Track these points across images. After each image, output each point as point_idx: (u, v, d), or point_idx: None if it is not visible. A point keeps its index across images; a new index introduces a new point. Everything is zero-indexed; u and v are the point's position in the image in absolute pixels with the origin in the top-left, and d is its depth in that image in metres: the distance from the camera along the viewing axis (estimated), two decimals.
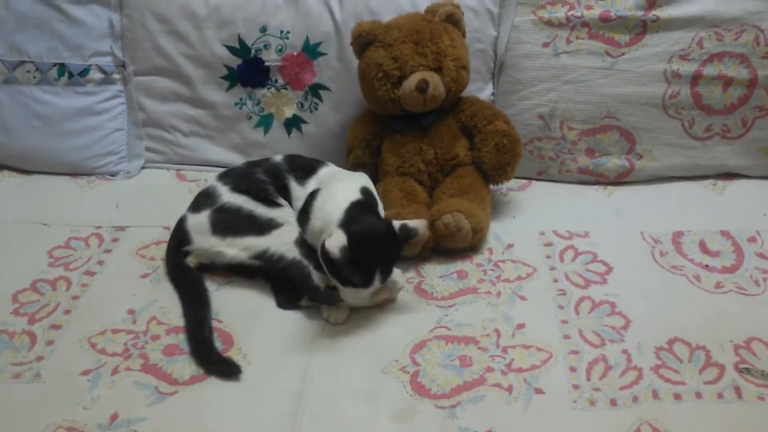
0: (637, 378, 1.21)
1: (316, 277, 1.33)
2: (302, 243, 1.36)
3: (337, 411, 1.17)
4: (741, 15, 1.59)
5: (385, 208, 1.47)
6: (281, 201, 1.44)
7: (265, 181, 1.45)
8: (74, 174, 1.73)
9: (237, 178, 1.47)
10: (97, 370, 1.23)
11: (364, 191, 1.40)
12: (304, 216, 1.39)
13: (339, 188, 1.39)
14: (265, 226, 1.38)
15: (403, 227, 1.29)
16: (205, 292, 1.37)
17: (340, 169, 1.51)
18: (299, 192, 1.45)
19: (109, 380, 1.22)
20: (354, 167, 1.58)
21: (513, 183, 1.68)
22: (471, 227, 1.44)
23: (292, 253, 1.35)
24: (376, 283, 1.27)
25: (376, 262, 1.26)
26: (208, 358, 1.25)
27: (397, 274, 1.35)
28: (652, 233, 1.52)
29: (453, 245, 1.46)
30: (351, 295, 1.28)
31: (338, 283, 1.27)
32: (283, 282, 1.37)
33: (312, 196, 1.40)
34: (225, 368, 1.23)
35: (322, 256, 1.26)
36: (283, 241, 1.36)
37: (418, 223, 1.30)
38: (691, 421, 1.14)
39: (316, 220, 1.36)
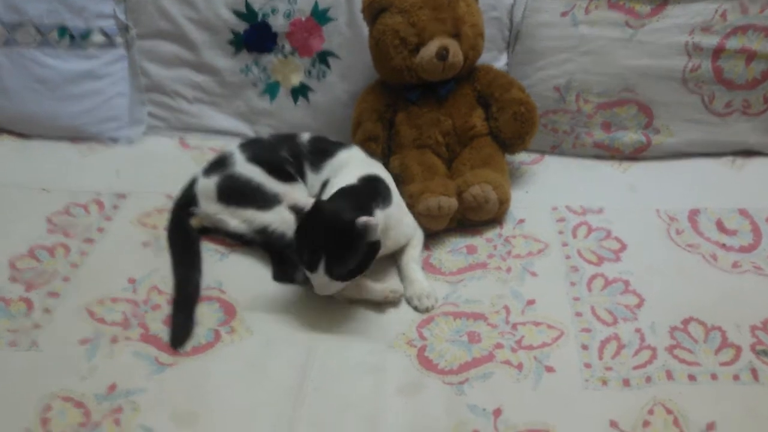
0: (650, 358, 1.19)
1: None
2: None
3: (343, 385, 1.15)
4: None
5: (405, 183, 1.44)
6: (295, 180, 1.41)
7: (286, 159, 1.42)
8: (75, 139, 1.70)
9: (259, 149, 1.44)
10: (96, 339, 1.21)
11: (365, 179, 1.32)
12: None
13: (340, 179, 1.33)
14: (269, 201, 1.36)
15: (366, 222, 1.16)
16: (197, 253, 1.36)
17: (357, 154, 1.45)
18: (313, 179, 1.42)
19: (107, 350, 1.20)
20: (363, 141, 1.53)
21: (525, 157, 1.65)
22: (498, 198, 1.41)
23: (293, 232, 1.31)
24: (321, 272, 1.17)
25: (318, 247, 1.17)
26: (177, 315, 1.24)
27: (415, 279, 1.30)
28: (668, 210, 1.49)
29: (479, 217, 1.43)
30: (309, 278, 1.21)
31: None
32: (282, 256, 1.35)
33: (322, 188, 1.36)
34: (176, 332, 1.21)
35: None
36: (283, 220, 1.33)
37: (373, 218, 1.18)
38: (707, 402, 1.12)
39: None
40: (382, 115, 1.55)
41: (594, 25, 1.58)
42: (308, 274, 1.21)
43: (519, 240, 1.43)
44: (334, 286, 1.21)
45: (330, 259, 1.17)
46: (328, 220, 1.19)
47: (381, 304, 1.28)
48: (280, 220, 1.34)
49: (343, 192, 1.27)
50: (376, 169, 1.40)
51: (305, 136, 1.48)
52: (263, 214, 1.35)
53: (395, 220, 1.31)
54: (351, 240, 1.17)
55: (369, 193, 1.29)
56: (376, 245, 1.20)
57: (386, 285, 1.29)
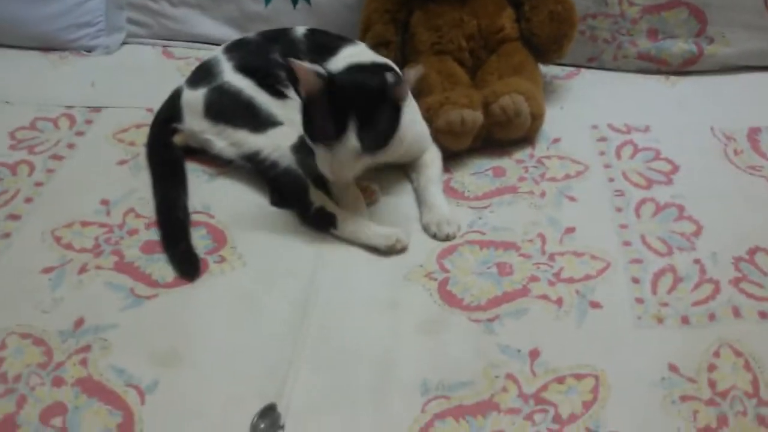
0: (713, 292, 1.08)
1: (312, 194, 1.19)
2: (299, 149, 1.21)
3: (352, 323, 1.06)
4: None
5: (422, 95, 1.32)
6: (289, 92, 1.28)
7: (278, 63, 1.29)
8: (45, 48, 1.60)
9: (246, 54, 1.32)
10: (62, 267, 1.12)
11: (376, 64, 1.24)
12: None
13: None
14: (262, 122, 1.24)
15: (396, 75, 1.13)
16: (182, 172, 1.27)
17: (365, 51, 1.32)
18: None
19: (75, 280, 1.10)
20: (374, 47, 1.39)
21: (558, 70, 1.55)
22: (531, 112, 1.31)
23: (287, 160, 1.22)
24: (350, 141, 1.07)
25: (351, 104, 1.07)
26: (175, 245, 1.14)
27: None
28: (724, 129, 1.39)
29: (508, 134, 1.33)
30: (324, 161, 1.10)
31: (312, 143, 1.11)
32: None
33: None
34: (185, 264, 1.11)
35: (302, 107, 1.12)
36: (276, 146, 1.23)
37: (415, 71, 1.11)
38: None
39: None
40: (394, 15, 1.44)
41: None
42: (324, 153, 1.09)
43: (554, 161, 1.32)
44: (357, 165, 1.11)
45: (361, 124, 1.07)
46: (356, 80, 1.12)
47: (384, 252, 1.14)
48: (273, 146, 1.22)
49: (356, 66, 1.18)
50: (387, 64, 1.28)
51: (300, 31, 1.34)
52: (255, 138, 1.23)
53: (408, 119, 1.17)
54: (383, 100, 1.09)
55: (384, 69, 1.19)
56: (400, 112, 1.12)
57: (393, 230, 1.15)
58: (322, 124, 1.08)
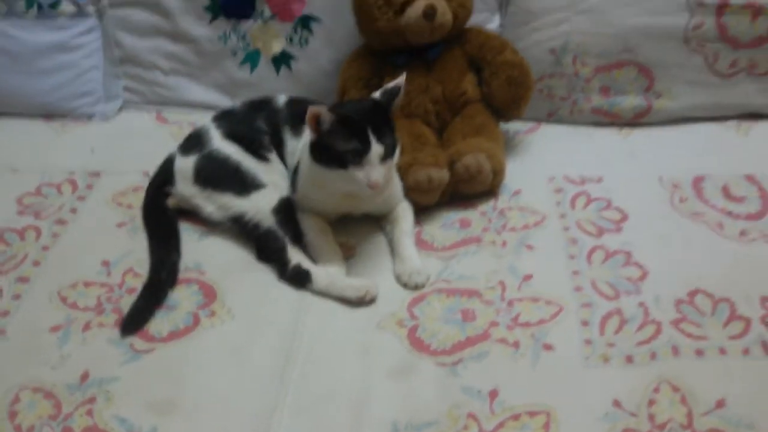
0: (655, 333, 1.14)
1: (290, 252, 1.26)
2: (279, 210, 1.30)
3: (329, 369, 1.12)
4: None
5: None
6: (272, 156, 1.37)
7: (262, 129, 1.38)
8: (47, 116, 1.66)
9: (233, 122, 1.40)
10: (68, 326, 1.18)
11: None
12: (294, 176, 1.34)
13: None
14: (247, 186, 1.32)
15: (383, 91, 1.25)
16: (176, 233, 1.33)
17: None
18: (293, 145, 1.38)
19: (80, 337, 1.16)
20: None
21: (520, 125, 1.61)
22: (492, 169, 1.38)
23: (268, 222, 1.29)
24: (375, 146, 1.18)
25: (365, 122, 1.19)
26: (140, 299, 1.21)
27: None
28: (671, 178, 1.44)
29: (472, 189, 1.39)
30: (362, 175, 1.19)
31: (342, 169, 1.20)
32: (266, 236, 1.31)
33: (303, 151, 1.31)
34: (130, 320, 1.18)
35: (315, 149, 1.23)
36: (259, 209, 1.30)
37: (398, 80, 1.25)
38: (715, 378, 1.08)
39: (303, 178, 1.31)
40: (368, 82, 1.50)
41: None
42: (356, 171, 1.19)
43: (514, 212, 1.38)
44: (384, 170, 1.21)
45: (377, 134, 1.19)
46: (359, 105, 1.27)
47: (355, 303, 1.22)
48: (256, 209, 1.30)
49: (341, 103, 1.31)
50: None
51: (281, 100, 1.43)
52: (240, 201, 1.31)
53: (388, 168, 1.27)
54: (385, 112, 1.23)
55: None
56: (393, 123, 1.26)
57: (363, 283, 1.23)
58: (347, 146, 1.18)
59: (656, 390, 1.06)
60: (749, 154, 1.51)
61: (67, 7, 1.61)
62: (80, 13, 1.62)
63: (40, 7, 1.60)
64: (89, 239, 1.34)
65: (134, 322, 1.17)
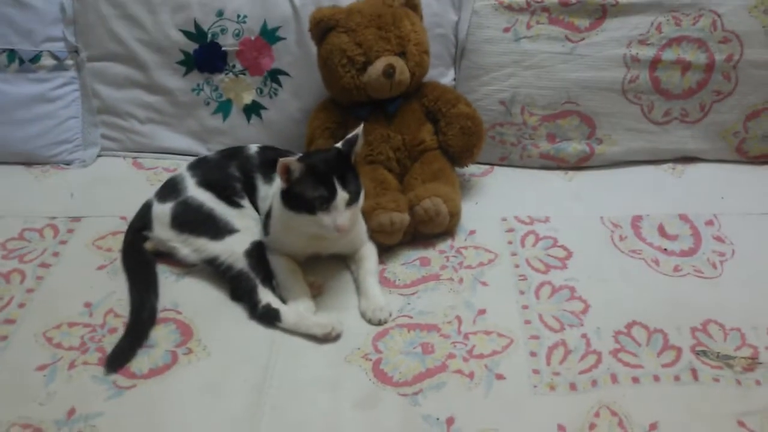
0: (596, 362, 1.22)
1: (261, 292, 1.32)
2: (251, 253, 1.36)
3: (299, 402, 1.17)
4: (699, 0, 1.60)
5: None
6: (244, 202, 1.43)
7: (235, 177, 1.43)
8: (28, 163, 1.69)
9: (207, 170, 1.45)
10: (54, 364, 1.22)
11: None
12: (266, 220, 1.39)
13: None
14: (220, 230, 1.37)
15: (345, 141, 1.32)
16: (154, 275, 1.37)
17: None
18: (265, 191, 1.43)
19: (65, 375, 1.20)
20: None
21: (475, 169, 1.68)
22: (448, 211, 1.44)
23: (240, 264, 1.34)
24: (341, 193, 1.25)
25: (331, 171, 1.26)
26: (125, 339, 1.25)
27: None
28: (612, 218, 1.53)
29: (431, 230, 1.46)
30: (329, 220, 1.26)
31: (311, 215, 1.26)
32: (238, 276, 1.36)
33: (275, 197, 1.37)
34: (113, 355, 1.22)
35: (285, 197, 1.28)
36: (231, 251, 1.35)
37: (356, 130, 1.32)
38: (649, 403, 1.16)
39: (275, 222, 1.36)
40: (334, 132, 1.56)
41: (535, 40, 1.63)
42: (324, 216, 1.26)
43: (470, 251, 1.45)
44: (349, 215, 1.27)
45: (342, 181, 1.26)
46: (324, 155, 1.31)
47: (322, 340, 1.27)
48: (229, 252, 1.35)
49: (309, 153, 1.36)
50: None
51: (253, 149, 1.49)
52: (214, 245, 1.36)
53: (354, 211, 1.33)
54: (347, 160, 1.30)
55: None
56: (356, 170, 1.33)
57: (328, 321, 1.28)
58: (315, 194, 1.25)
59: (596, 415, 1.14)
60: (683, 194, 1.61)
61: (47, 60, 1.65)
62: (60, 67, 1.66)
63: (21, 61, 1.64)
64: (72, 282, 1.37)
65: (118, 360, 1.22)
